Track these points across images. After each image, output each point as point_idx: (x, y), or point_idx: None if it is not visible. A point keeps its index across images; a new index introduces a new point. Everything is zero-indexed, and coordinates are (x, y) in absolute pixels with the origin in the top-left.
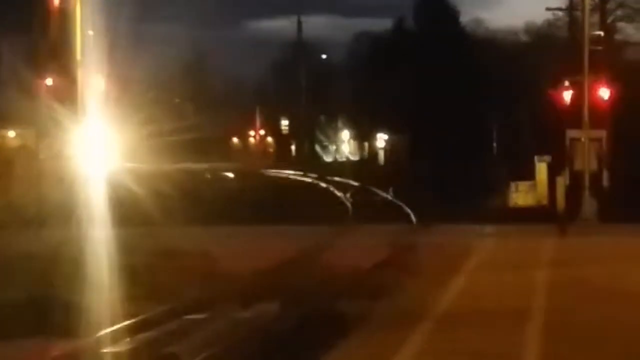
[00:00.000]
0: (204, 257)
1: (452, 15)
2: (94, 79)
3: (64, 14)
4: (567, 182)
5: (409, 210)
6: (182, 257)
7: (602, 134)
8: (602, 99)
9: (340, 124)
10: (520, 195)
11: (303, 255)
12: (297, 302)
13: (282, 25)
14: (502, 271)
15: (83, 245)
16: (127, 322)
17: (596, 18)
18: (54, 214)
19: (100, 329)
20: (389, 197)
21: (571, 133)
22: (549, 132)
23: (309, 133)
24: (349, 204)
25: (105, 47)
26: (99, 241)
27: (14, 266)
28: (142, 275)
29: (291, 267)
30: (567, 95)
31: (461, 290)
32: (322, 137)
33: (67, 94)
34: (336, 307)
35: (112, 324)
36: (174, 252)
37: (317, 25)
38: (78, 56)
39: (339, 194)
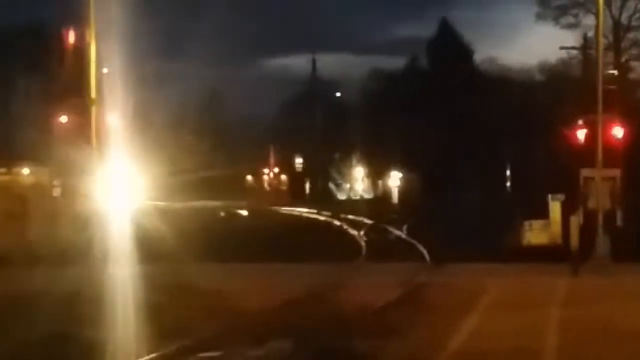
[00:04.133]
0: (217, 295)
1: (465, 53)
2: (108, 117)
3: (79, 52)
4: (581, 221)
5: (422, 249)
6: (195, 295)
7: (616, 172)
8: (616, 137)
9: (354, 161)
10: (534, 234)
11: (316, 294)
12: (309, 340)
13: (295, 63)
14: (515, 311)
15: (98, 283)
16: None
17: (610, 57)
18: (70, 252)
19: None
20: (403, 235)
21: (585, 172)
22: (563, 171)
23: (323, 171)
24: (362, 242)
25: (120, 85)
26: (113, 279)
27: (32, 304)
28: (158, 313)
29: (304, 305)
30: (581, 134)
31: (474, 329)
32: (336, 175)
33: (82, 132)
34: (348, 345)
35: None
36: (188, 289)
37: (329, 63)
38: (93, 94)
39: (352, 232)
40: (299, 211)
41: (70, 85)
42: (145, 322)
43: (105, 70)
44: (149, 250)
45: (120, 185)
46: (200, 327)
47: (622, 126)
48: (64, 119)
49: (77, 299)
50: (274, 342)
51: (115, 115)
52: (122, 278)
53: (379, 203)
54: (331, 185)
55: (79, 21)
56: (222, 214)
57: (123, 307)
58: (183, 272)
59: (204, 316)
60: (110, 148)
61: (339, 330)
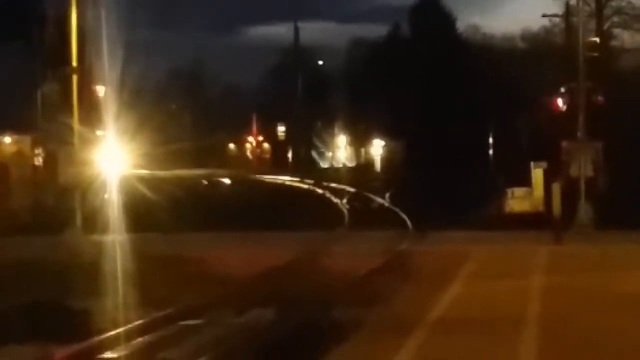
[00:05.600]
0: (200, 263)
1: (448, 21)
2: (90, 85)
3: (61, 21)
4: (563, 188)
5: (405, 217)
6: (178, 263)
7: (598, 146)
8: (597, 104)
9: (336, 130)
10: (517, 202)
11: (298, 261)
12: (292, 308)
13: (278, 31)
14: (498, 278)
15: (82, 252)
16: (124, 328)
17: (592, 24)
18: (50, 220)
19: (99, 334)
20: (385, 203)
21: (567, 143)
22: (546, 138)
23: (306, 139)
24: (345, 210)
25: (102, 54)
26: (98, 247)
27: (14, 272)
28: (141, 281)
29: (287, 273)
30: (563, 102)
31: (456, 297)
32: (318, 143)
33: (64, 101)
34: (331, 313)
35: (110, 329)
36: (171, 257)
37: (312, 31)
38: (74, 63)
39: (335, 200)
40: (281, 179)
41: (52, 54)
42: (128, 290)
43: (87, 40)
44: (133, 218)
45: (102, 153)
46: (183, 295)
47: (604, 93)
48: (47, 87)
49: (61, 267)
50: (256, 311)
51: (96, 84)
52: (106, 246)
53: (361, 171)
54: (314, 154)
55: None
56: (205, 182)
57: (107, 276)
58: (166, 241)
59: (187, 284)
60: (92, 116)
61: (321, 298)
